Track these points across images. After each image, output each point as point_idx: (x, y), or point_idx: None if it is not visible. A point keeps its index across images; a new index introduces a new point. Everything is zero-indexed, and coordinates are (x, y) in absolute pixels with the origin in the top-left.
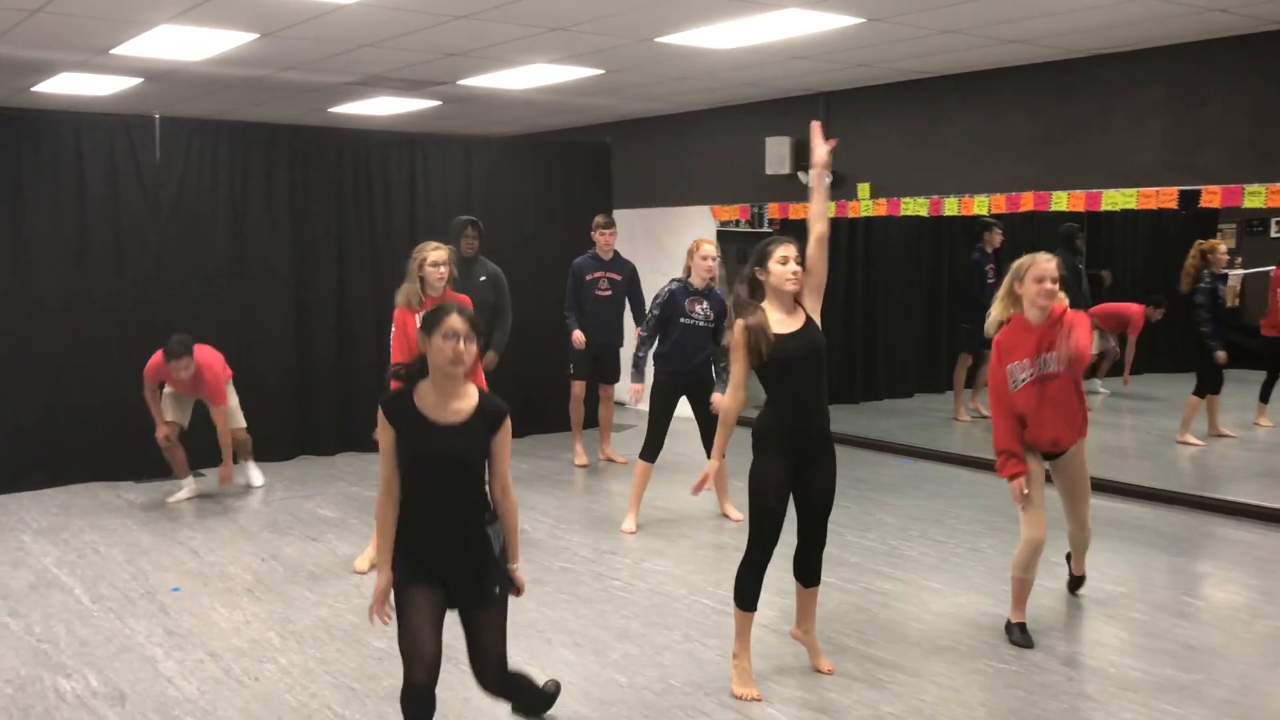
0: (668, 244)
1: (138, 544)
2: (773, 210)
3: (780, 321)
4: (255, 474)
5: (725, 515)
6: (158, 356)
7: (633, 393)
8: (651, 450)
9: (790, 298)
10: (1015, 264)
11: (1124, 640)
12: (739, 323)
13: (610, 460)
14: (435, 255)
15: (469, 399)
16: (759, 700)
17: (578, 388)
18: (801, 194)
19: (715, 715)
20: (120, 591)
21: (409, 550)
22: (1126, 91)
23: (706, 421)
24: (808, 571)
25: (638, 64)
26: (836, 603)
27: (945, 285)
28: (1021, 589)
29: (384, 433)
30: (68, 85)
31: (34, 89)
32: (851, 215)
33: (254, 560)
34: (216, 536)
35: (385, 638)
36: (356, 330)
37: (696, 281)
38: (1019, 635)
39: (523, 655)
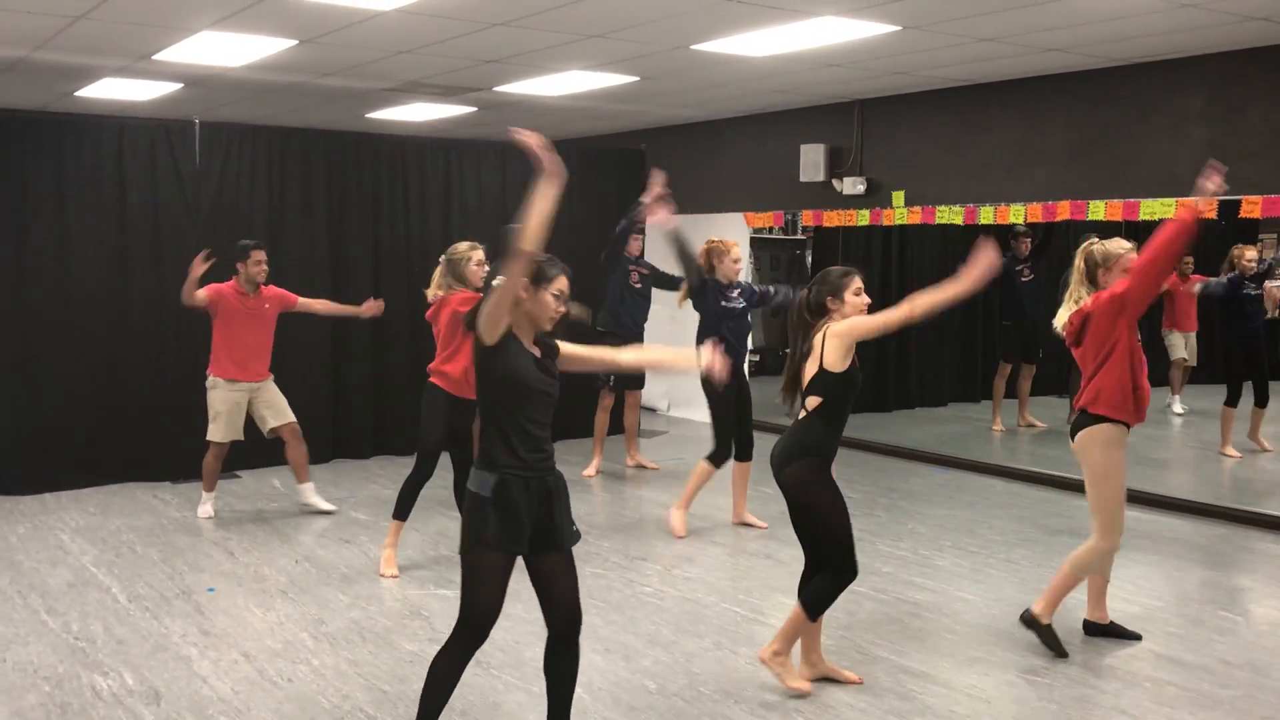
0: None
1: (174, 544)
2: (806, 218)
3: None
4: (318, 500)
5: (747, 524)
6: (214, 287)
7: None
8: (722, 451)
9: None
10: (1097, 250)
11: (1160, 655)
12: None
13: (641, 467)
14: (479, 255)
15: None
16: (809, 693)
17: (608, 398)
18: (836, 201)
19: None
20: (156, 591)
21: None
22: (1167, 100)
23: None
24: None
25: (673, 71)
26: (868, 612)
27: (980, 296)
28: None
29: None
30: (109, 90)
31: (77, 94)
32: (886, 223)
33: (288, 562)
34: (251, 538)
35: (417, 641)
36: (392, 334)
37: (724, 279)
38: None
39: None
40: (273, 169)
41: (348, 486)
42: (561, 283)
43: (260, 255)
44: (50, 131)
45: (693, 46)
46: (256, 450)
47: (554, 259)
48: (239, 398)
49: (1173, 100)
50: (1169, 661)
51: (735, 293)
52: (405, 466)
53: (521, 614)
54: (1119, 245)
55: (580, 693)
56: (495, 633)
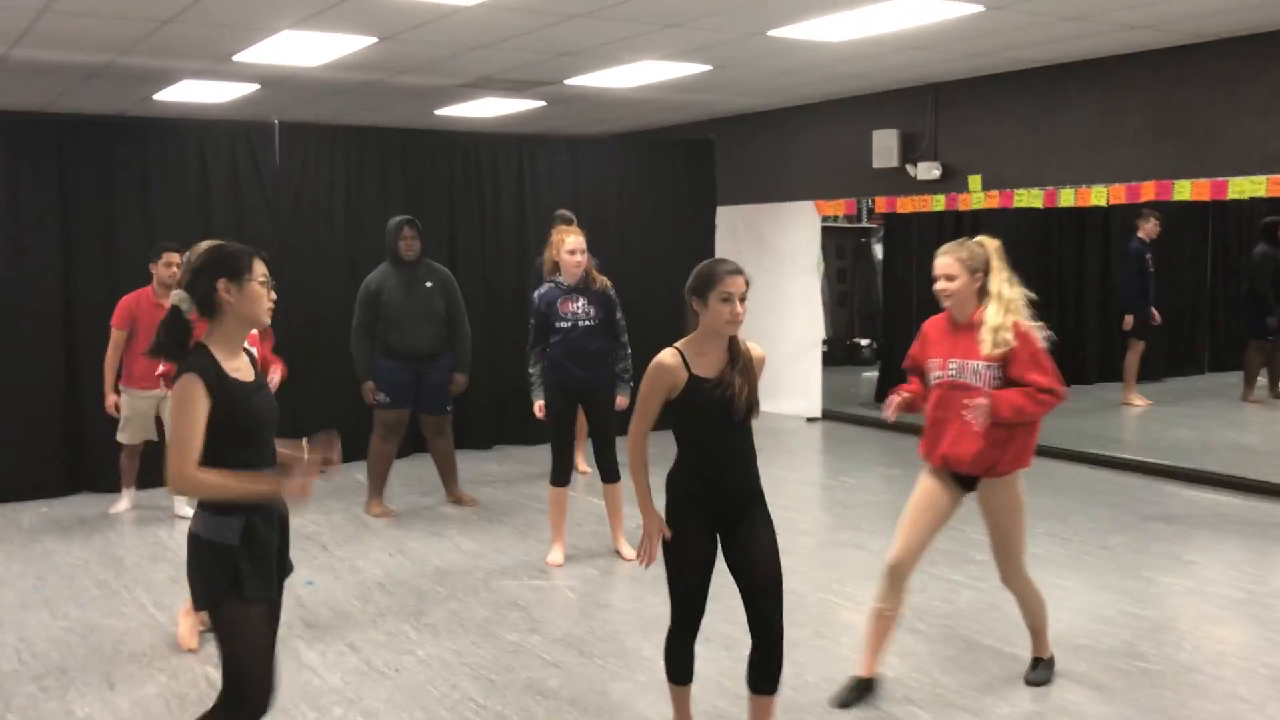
0: (773, 241)
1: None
2: (880, 204)
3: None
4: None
5: (617, 551)
6: (133, 295)
7: (539, 410)
8: (561, 473)
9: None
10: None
11: (1272, 640)
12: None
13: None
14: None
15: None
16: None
17: None
18: (909, 187)
19: (855, 713)
20: None
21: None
22: (1256, 75)
23: (603, 432)
24: (757, 675)
25: (747, 59)
26: (968, 601)
27: (1055, 279)
28: (871, 625)
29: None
30: (187, 93)
31: (155, 97)
32: (962, 208)
33: (381, 555)
34: (342, 532)
35: (518, 631)
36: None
37: (567, 279)
38: (848, 695)
39: (653, 649)
40: (350, 168)
41: (430, 480)
42: (262, 266)
43: (172, 257)
44: (134, 136)
45: (769, 33)
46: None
47: (245, 248)
48: (144, 405)
49: (1263, 76)
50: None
51: (578, 304)
52: (483, 460)
53: (618, 604)
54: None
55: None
56: (593, 623)
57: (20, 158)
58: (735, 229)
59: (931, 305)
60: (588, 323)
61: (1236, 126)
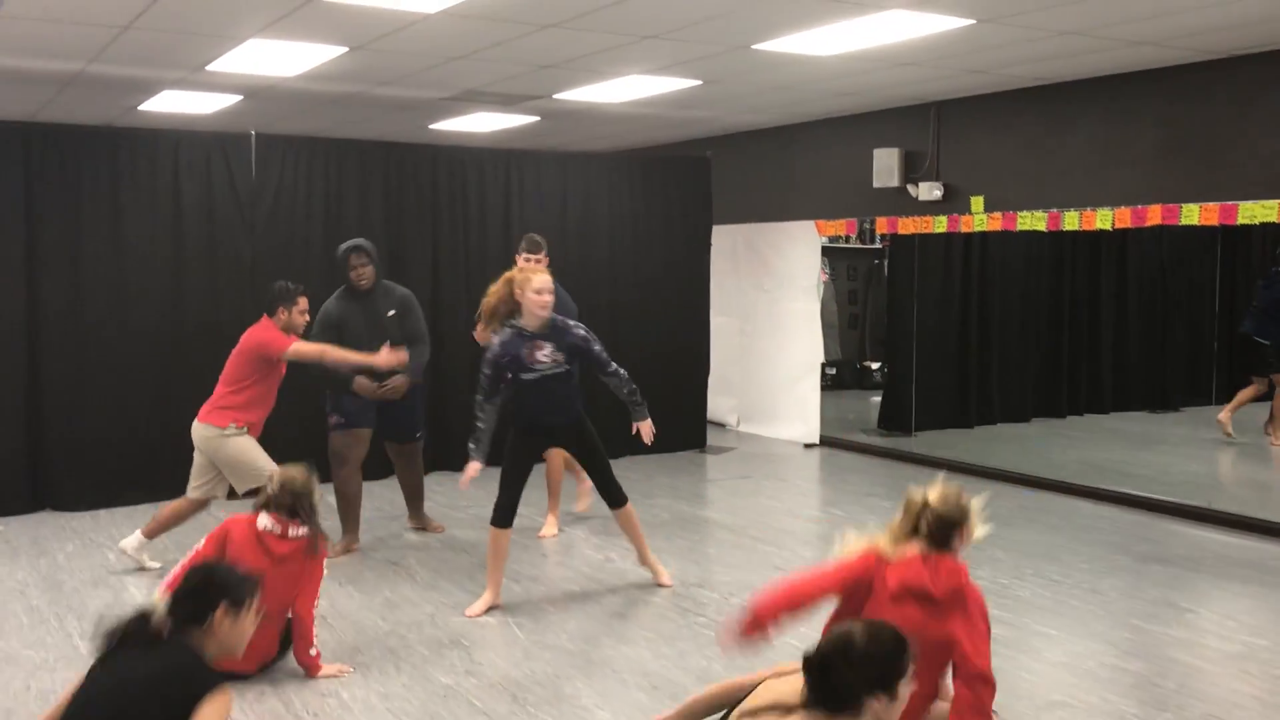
0: (771, 261)
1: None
2: (881, 225)
3: None
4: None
5: (655, 578)
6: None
7: (472, 472)
8: (504, 513)
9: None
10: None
11: (1265, 701)
12: None
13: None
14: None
15: None
16: None
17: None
18: (911, 208)
19: None
20: None
21: None
22: (1268, 94)
23: (597, 461)
24: None
25: (736, 73)
26: None
27: (1066, 304)
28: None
29: None
30: (171, 104)
31: (140, 108)
32: (965, 230)
33: (331, 585)
34: None
35: (454, 673)
36: (449, 348)
37: (530, 323)
38: None
39: (595, 697)
40: (329, 181)
41: (402, 504)
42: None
43: (305, 303)
44: (105, 145)
45: (754, 46)
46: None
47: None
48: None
49: (1275, 94)
50: (1277, 710)
51: (545, 351)
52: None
53: (566, 645)
54: None
55: None
56: (534, 665)
57: None
58: (735, 248)
59: (933, 329)
60: (557, 370)
61: (1247, 148)
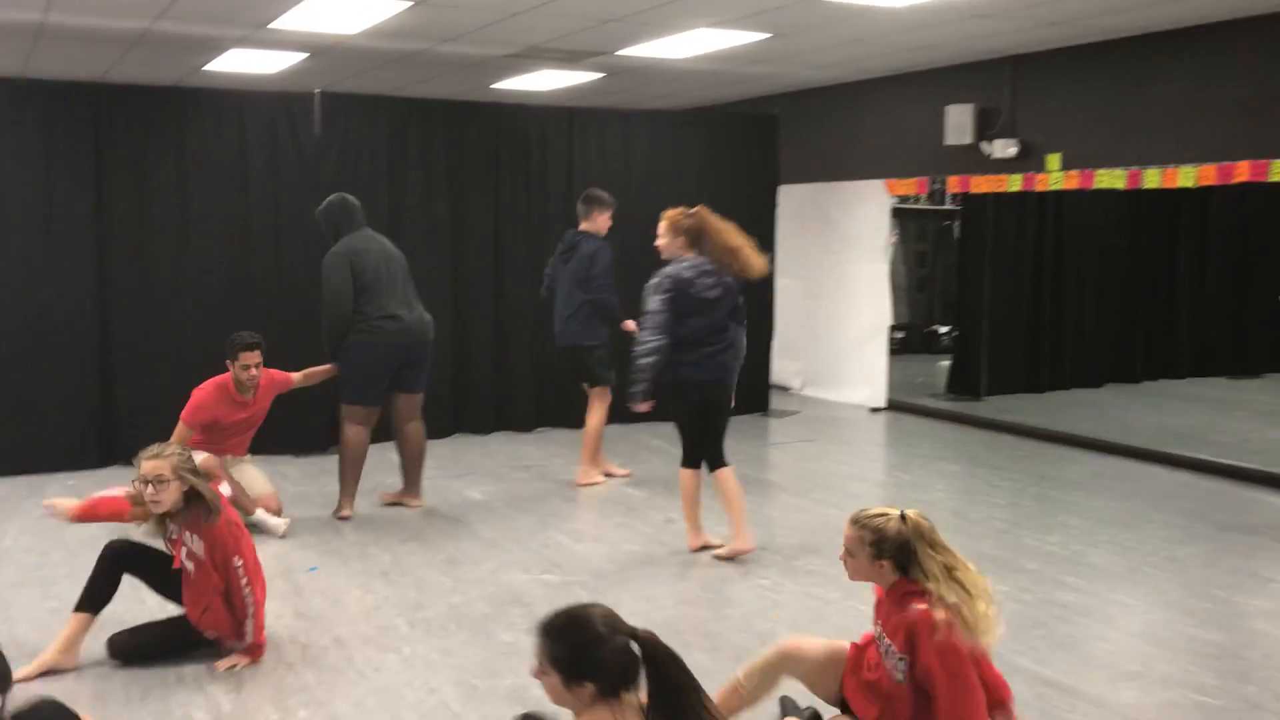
0: (841, 222)
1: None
2: (953, 184)
3: None
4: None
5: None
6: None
7: (646, 408)
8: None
9: None
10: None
11: None
12: None
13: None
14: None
15: None
16: None
17: (606, 394)
18: (984, 166)
19: None
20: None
21: None
22: None
23: (720, 427)
24: None
25: (806, 25)
26: (1009, 614)
27: (1143, 265)
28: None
29: None
30: (237, 63)
31: (205, 68)
32: (1039, 189)
33: (394, 540)
34: (361, 515)
35: (514, 630)
36: (513, 307)
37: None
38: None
39: None
40: (394, 139)
41: (467, 462)
42: None
43: (251, 357)
44: (173, 105)
45: None
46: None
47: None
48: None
49: None
50: None
51: (709, 280)
52: (525, 443)
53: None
54: None
55: None
56: None
57: (56, 125)
58: (801, 209)
59: (1005, 292)
60: (727, 299)
61: None
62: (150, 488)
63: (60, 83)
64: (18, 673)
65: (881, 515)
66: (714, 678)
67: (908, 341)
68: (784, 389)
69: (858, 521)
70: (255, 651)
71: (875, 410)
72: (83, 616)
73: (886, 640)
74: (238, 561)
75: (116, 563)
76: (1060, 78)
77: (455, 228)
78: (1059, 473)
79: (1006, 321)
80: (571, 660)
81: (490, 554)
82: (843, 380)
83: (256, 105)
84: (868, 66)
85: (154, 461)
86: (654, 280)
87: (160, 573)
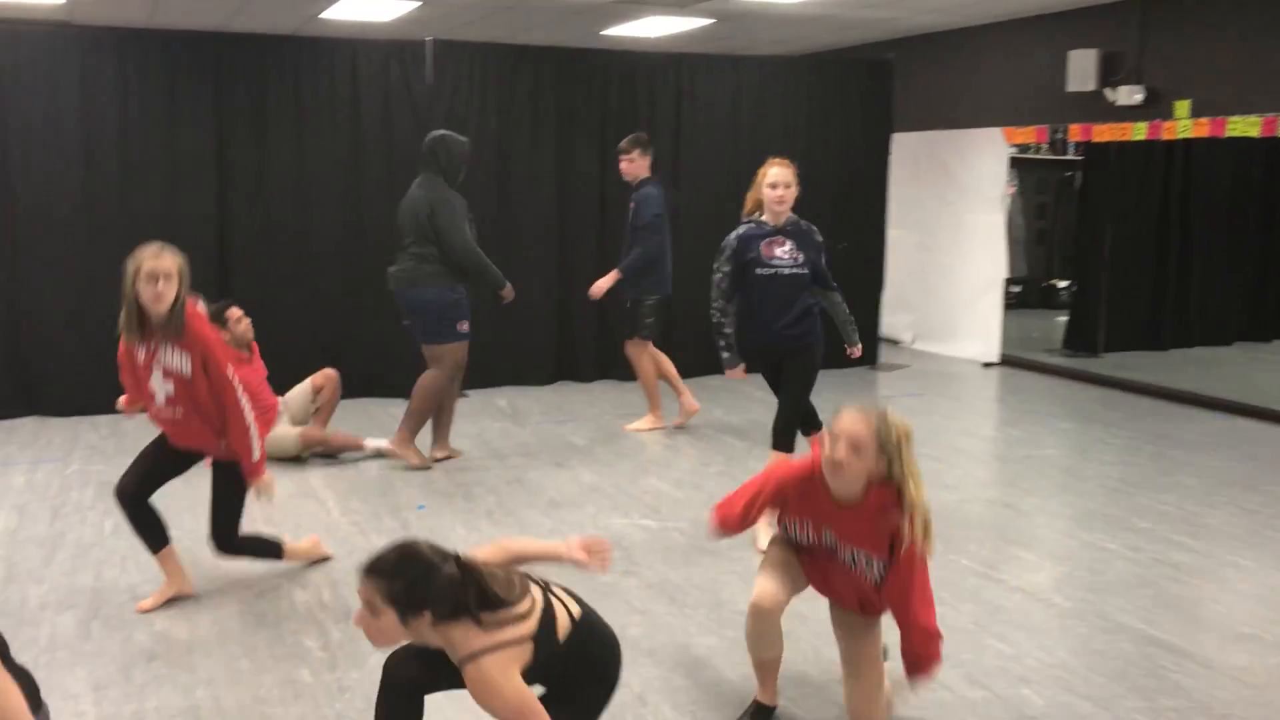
0: (956, 172)
1: (394, 460)
2: (1074, 132)
3: None
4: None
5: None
6: None
7: (740, 374)
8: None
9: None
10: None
11: None
12: None
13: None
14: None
15: None
16: None
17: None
18: (1108, 114)
19: (961, 692)
20: (369, 507)
21: None
22: None
23: (801, 394)
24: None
25: None
26: (1117, 572)
27: (1276, 218)
28: (757, 667)
29: None
30: (351, 11)
31: (321, 15)
32: (1166, 137)
33: (499, 482)
34: (467, 456)
35: (613, 572)
36: (615, 259)
37: (770, 218)
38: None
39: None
40: (503, 86)
41: (569, 409)
42: None
43: (237, 311)
44: (289, 53)
45: None
46: (483, 370)
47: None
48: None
49: None
50: None
51: (784, 248)
52: (628, 390)
53: (726, 552)
54: None
55: None
56: (693, 571)
57: (178, 74)
58: (916, 158)
59: (1128, 245)
60: (794, 269)
61: None
62: (160, 282)
63: (181, 32)
64: (142, 603)
65: (880, 413)
66: (811, 624)
67: (1024, 296)
68: (894, 342)
69: (858, 420)
70: (255, 471)
71: (988, 365)
72: (163, 552)
73: (856, 550)
74: (232, 372)
75: (138, 500)
76: (1191, 20)
77: (561, 176)
78: (1178, 432)
79: (1128, 276)
80: (409, 592)
81: (591, 498)
82: (955, 334)
83: (370, 53)
84: (987, 10)
85: (160, 259)
86: (818, 237)
87: (173, 465)
